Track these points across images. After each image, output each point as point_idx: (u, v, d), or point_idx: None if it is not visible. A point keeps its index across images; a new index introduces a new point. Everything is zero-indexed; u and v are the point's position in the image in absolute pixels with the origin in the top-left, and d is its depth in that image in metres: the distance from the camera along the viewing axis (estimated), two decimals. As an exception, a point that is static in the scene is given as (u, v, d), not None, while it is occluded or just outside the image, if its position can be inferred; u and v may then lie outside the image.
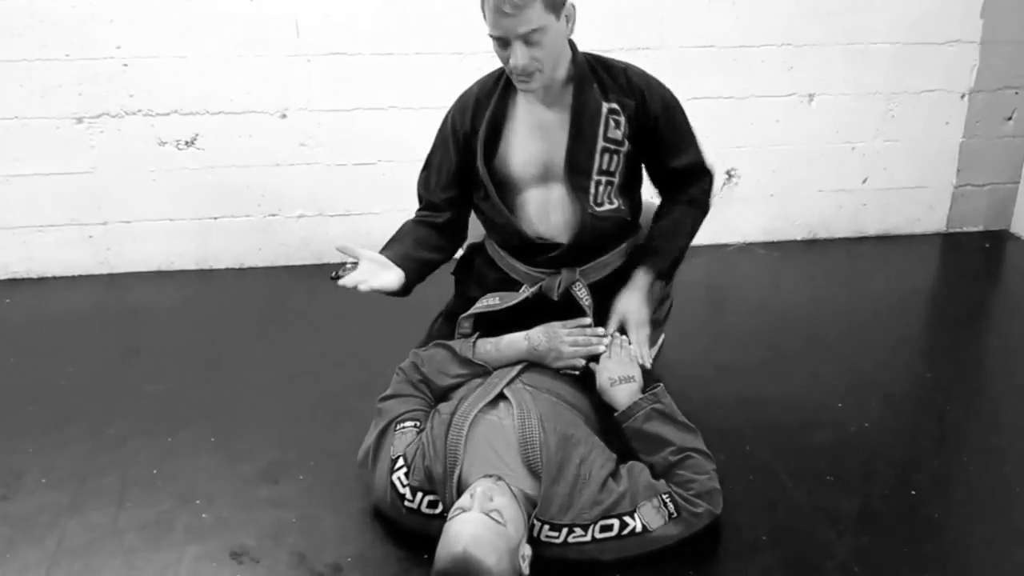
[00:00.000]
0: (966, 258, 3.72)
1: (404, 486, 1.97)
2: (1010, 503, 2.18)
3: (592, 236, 2.22)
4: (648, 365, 2.21)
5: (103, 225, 3.40)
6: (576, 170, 2.16)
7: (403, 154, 3.42)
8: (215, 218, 3.45)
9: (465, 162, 2.25)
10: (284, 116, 3.34)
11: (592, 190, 2.17)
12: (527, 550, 1.82)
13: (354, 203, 3.49)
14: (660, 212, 2.33)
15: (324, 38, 3.26)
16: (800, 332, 3.05)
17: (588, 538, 1.90)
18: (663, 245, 2.29)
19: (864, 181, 3.75)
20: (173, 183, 3.38)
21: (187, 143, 3.33)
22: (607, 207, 2.20)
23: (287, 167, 3.41)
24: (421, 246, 2.26)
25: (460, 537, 1.71)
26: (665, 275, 2.33)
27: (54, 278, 3.44)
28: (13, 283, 3.40)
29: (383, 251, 2.22)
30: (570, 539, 1.90)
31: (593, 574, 1.91)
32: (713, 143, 3.55)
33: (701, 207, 2.33)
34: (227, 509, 2.14)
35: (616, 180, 2.20)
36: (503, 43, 1.99)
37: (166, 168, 3.35)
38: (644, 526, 1.91)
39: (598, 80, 2.16)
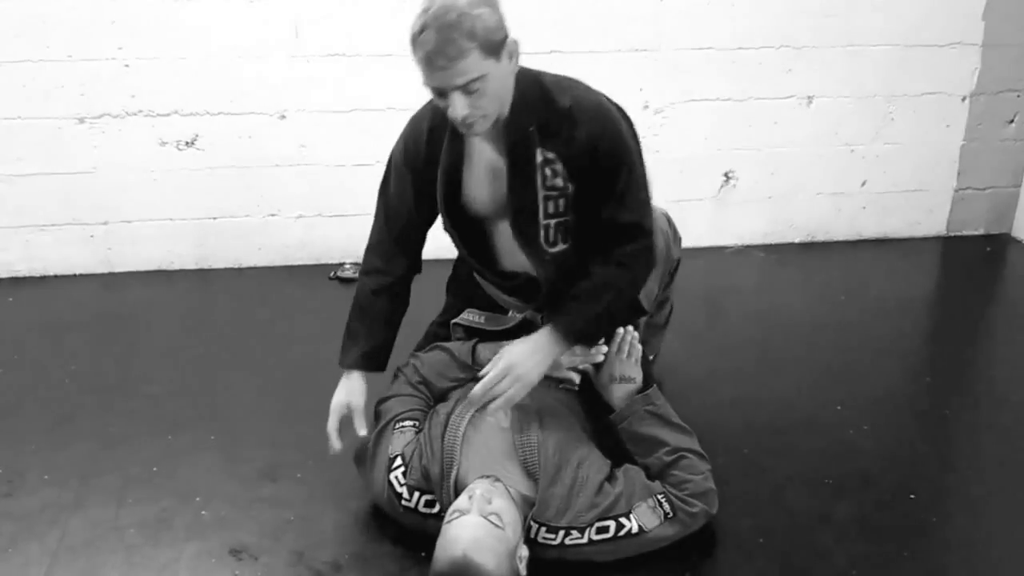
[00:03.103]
0: (966, 262, 3.72)
1: (401, 485, 1.98)
2: (1009, 509, 2.18)
3: (558, 274, 2.06)
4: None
5: (104, 225, 3.41)
6: (520, 217, 2.00)
7: (403, 155, 3.43)
8: (214, 218, 3.46)
9: (423, 195, 2.09)
10: (283, 117, 3.35)
11: (542, 233, 2.00)
12: (524, 551, 1.83)
13: (352, 204, 3.49)
14: (590, 270, 2.04)
15: (323, 39, 3.27)
16: (798, 335, 3.05)
17: (585, 540, 1.90)
18: (576, 306, 2.02)
19: (863, 184, 3.75)
20: (173, 183, 3.39)
21: (187, 143, 3.34)
22: (560, 247, 2.03)
23: (286, 168, 3.42)
24: (387, 328, 2.19)
25: (459, 541, 1.72)
26: (575, 338, 2.04)
27: (55, 277, 3.45)
28: (15, 281, 3.41)
29: (352, 347, 2.16)
30: (567, 541, 1.90)
31: (590, 573, 1.92)
32: (711, 145, 3.59)
33: (630, 271, 2.05)
34: (226, 507, 2.16)
35: (568, 219, 2.01)
36: (440, 93, 1.79)
37: (166, 168, 3.36)
38: (640, 527, 1.92)
39: (539, 123, 1.93)
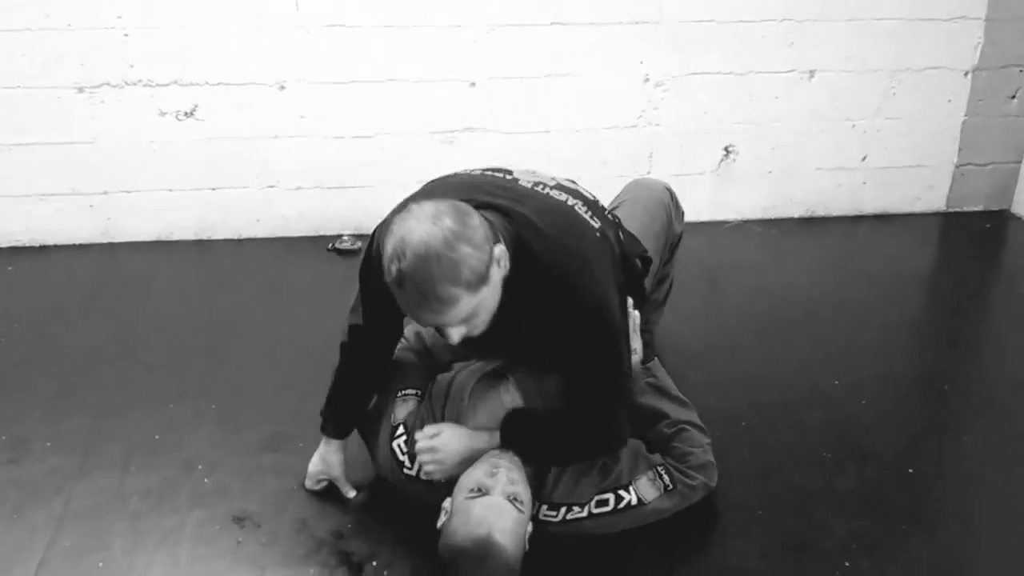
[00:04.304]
0: (966, 238, 3.72)
1: (404, 454, 1.99)
2: (1007, 482, 2.20)
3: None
4: None
5: (104, 195, 3.40)
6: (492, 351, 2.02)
7: (401, 127, 3.42)
8: (213, 189, 3.45)
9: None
10: (283, 88, 3.33)
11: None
12: (529, 527, 1.84)
13: (352, 176, 3.49)
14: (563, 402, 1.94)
15: (323, 10, 3.25)
16: (797, 311, 3.06)
17: (585, 514, 1.92)
18: (528, 429, 1.94)
19: (864, 159, 3.75)
20: (173, 154, 3.38)
21: (187, 114, 3.33)
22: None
23: (285, 139, 3.41)
24: (368, 395, 2.12)
25: (485, 522, 1.72)
26: (511, 448, 1.92)
27: (56, 247, 3.44)
28: (15, 251, 3.40)
29: (336, 425, 2.09)
30: (568, 516, 1.92)
31: (590, 548, 1.94)
32: (711, 118, 3.58)
33: (589, 448, 1.96)
34: (229, 476, 2.17)
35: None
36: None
37: (166, 139, 3.35)
38: (639, 499, 1.93)
39: (526, 303, 1.76)
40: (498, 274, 1.66)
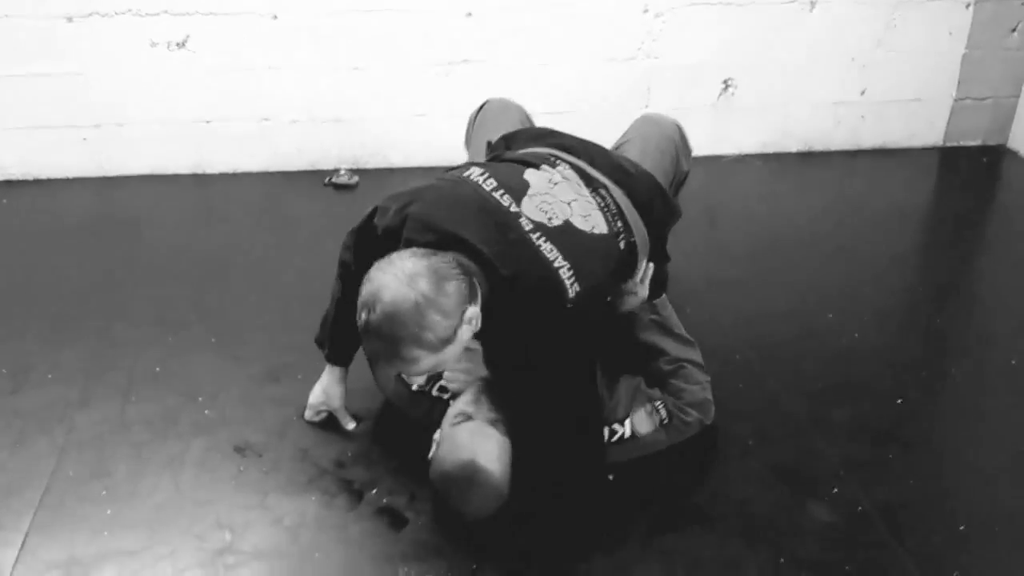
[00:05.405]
0: (963, 173, 3.71)
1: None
2: (996, 413, 2.24)
3: None
4: None
5: (97, 128, 3.36)
6: None
7: (397, 59, 3.38)
8: (208, 122, 3.42)
9: None
10: (275, 18, 3.27)
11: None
12: None
13: (348, 109, 3.46)
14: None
15: (318, -63, 3.19)
16: (794, 245, 3.07)
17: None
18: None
19: (862, 93, 3.72)
20: (165, 86, 3.33)
21: (178, 45, 3.27)
22: None
23: (279, 71, 3.36)
24: None
25: (469, 446, 1.76)
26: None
27: (50, 180, 3.41)
28: (10, 185, 3.38)
29: (333, 346, 2.09)
30: None
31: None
32: (710, 52, 3.55)
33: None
34: (230, 406, 2.19)
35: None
36: None
37: (158, 71, 3.30)
38: (634, 432, 1.96)
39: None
40: (467, 332, 1.68)
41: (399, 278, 1.59)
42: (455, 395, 1.95)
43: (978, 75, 3.73)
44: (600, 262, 1.88)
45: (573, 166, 1.99)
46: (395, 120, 3.47)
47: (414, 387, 2.03)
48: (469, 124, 2.46)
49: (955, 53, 3.68)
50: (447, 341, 1.63)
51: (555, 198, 1.89)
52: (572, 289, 1.76)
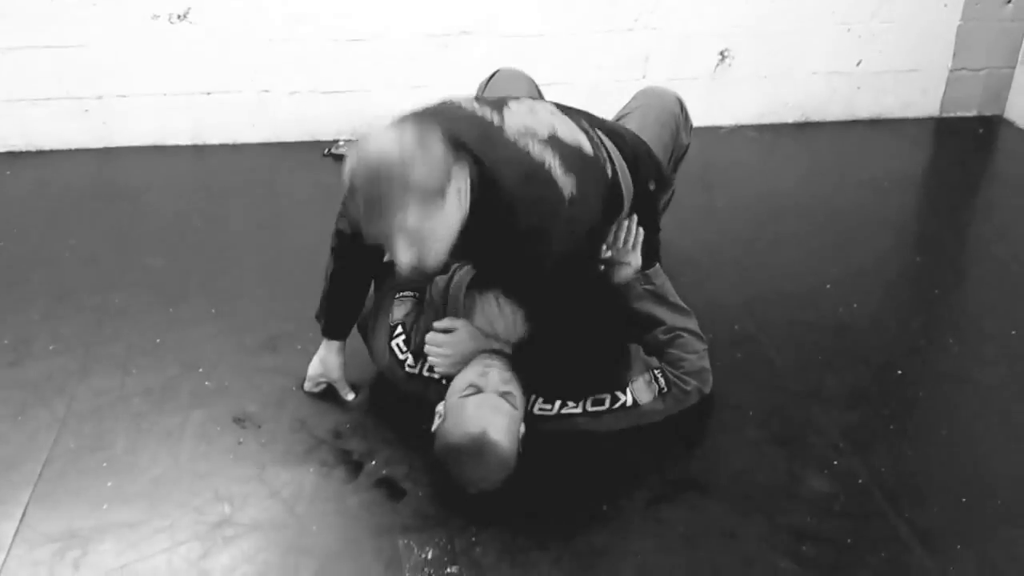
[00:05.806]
0: (958, 143, 3.70)
1: (404, 352, 2.03)
2: (992, 383, 2.25)
3: None
4: None
5: (98, 99, 3.37)
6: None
7: (397, 30, 3.37)
8: (208, 93, 3.42)
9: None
10: (275, -10, 3.27)
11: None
12: (522, 428, 1.88)
13: (347, 80, 3.45)
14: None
15: (316, -93, 3.18)
16: (791, 215, 3.07)
17: (579, 410, 1.96)
18: (538, 355, 1.98)
19: (858, 64, 3.71)
20: (166, 57, 3.33)
21: (180, 17, 3.27)
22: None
23: (280, 42, 3.36)
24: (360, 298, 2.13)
25: (479, 419, 1.77)
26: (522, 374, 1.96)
27: (52, 151, 3.42)
28: (12, 156, 3.39)
29: (333, 323, 2.11)
30: (563, 411, 1.96)
31: (584, 446, 1.99)
32: (707, 22, 3.53)
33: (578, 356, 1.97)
34: (229, 377, 2.21)
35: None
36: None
37: (159, 42, 3.30)
38: (635, 400, 1.97)
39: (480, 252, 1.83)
40: (454, 202, 1.63)
41: (384, 132, 1.60)
42: (445, 377, 1.96)
43: (973, 46, 3.72)
44: (592, 181, 1.86)
45: (558, 106, 2.00)
46: (394, 90, 3.46)
47: (406, 366, 2.04)
48: (479, 91, 2.47)
49: (950, 24, 3.67)
50: (433, 193, 1.57)
51: (537, 117, 1.90)
52: (568, 189, 1.75)
